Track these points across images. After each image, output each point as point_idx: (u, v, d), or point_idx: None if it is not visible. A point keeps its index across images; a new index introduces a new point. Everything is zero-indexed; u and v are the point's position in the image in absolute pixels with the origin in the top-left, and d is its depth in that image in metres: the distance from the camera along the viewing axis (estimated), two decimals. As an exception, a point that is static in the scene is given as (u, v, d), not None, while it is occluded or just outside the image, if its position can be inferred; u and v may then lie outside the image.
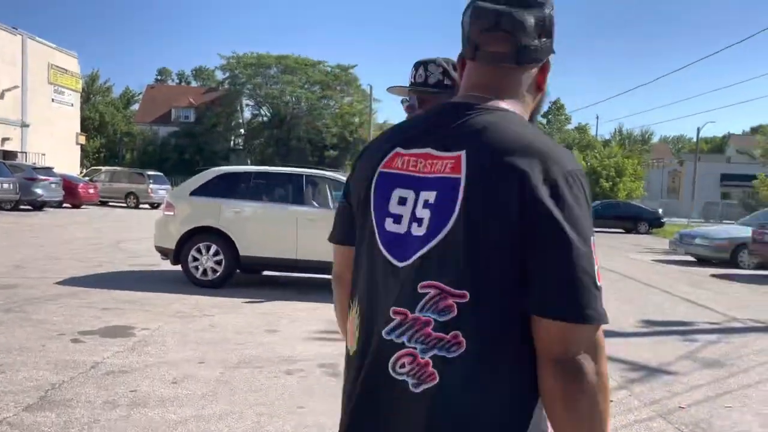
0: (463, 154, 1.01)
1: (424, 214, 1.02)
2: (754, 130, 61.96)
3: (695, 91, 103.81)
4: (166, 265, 8.48)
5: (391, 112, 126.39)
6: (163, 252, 8.16)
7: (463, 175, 0.99)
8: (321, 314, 6.64)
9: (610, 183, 33.85)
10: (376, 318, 1.06)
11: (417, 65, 1.90)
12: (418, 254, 1.01)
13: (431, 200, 1.01)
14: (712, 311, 8.14)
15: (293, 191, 8.19)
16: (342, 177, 8.91)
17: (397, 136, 1.14)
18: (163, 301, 6.91)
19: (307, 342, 5.52)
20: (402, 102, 1.96)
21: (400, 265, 1.03)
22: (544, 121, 68.91)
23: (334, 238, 1.28)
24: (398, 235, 1.04)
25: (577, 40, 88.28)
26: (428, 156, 1.05)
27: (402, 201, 1.05)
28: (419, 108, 1.88)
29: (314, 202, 8.40)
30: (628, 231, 25.87)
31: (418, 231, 1.02)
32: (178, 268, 8.07)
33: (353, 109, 49.38)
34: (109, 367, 4.48)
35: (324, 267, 7.49)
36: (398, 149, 1.10)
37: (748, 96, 60.34)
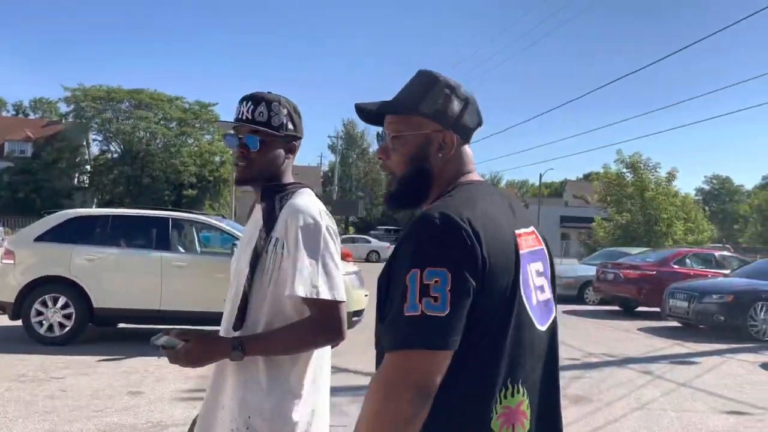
0: (534, 229, 1.30)
1: (541, 281, 1.25)
2: (587, 177, 69.18)
3: (538, 141, 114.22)
4: (3, 321, 7.44)
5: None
6: (0, 306, 7.16)
7: (544, 245, 1.32)
8: (189, 370, 6.13)
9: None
10: (547, 386, 1.23)
11: (257, 101, 1.68)
12: (554, 313, 1.30)
13: (541, 269, 1.26)
14: (569, 347, 8.68)
15: (157, 235, 7.59)
16: (212, 220, 8.42)
17: (505, 219, 1.20)
18: (0, 364, 6.00)
19: (177, 403, 5.04)
20: (229, 138, 1.71)
21: (543, 328, 1.23)
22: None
23: (453, 343, 1.05)
24: (533, 306, 1.20)
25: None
26: (523, 234, 1.23)
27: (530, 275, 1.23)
28: (260, 151, 1.67)
29: (180, 247, 7.87)
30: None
31: (544, 296, 1.25)
32: (19, 323, 7.12)
33: (214, 147, 47.94)
34: (-67, 451, 3.75)
35: (192, 318, 6.98)
36: (516, 231, 1.21)
37: (582, 148, 68.08)
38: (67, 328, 7.09)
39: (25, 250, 7.27)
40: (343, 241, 31.30)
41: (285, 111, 1.71)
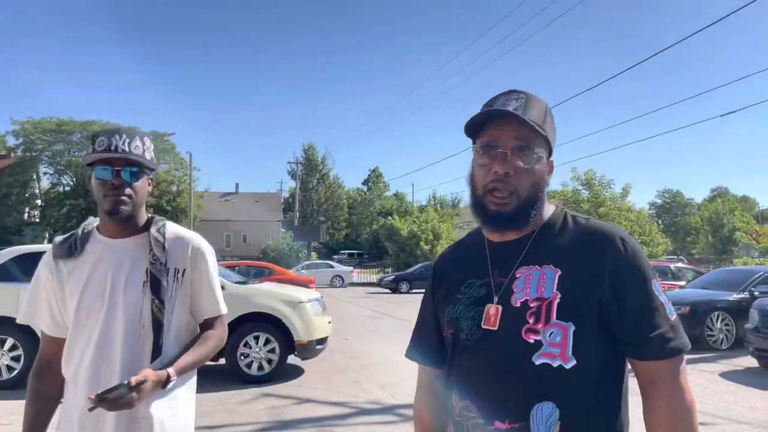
0: None
1: None
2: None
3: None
4: (-55, 367, 7.01)
5: (212, 179, 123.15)
6: (-58, 352, 6.78)
7: None
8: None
9: (429, 246, 35.89)
10: None
11: (131, 135, 1.70)
12: None
13: None
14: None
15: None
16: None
17: None
18: (-59, 414, 5.65)
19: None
20: (102, 170, 1.68)
21: None
22: (365, 188, 71.82)
23: None
24: None
25: (400, 116, 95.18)
26: None
27: None
28: (138, 185, 1.70)
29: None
30: (447, 291, 27.32)
31: None
32: (-38, 369, 6.73)
33: (170, 176, 47.16)
34: None
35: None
36: None
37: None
38: (16, 371, 6.74)
39: (-32, 290, 6.92)
40: (306, 267, 31.02)
41: (152, 146, 1.76)
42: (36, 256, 7.83)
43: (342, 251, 59.44)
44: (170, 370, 1.63)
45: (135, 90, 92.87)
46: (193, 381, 1.81)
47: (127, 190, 1.67)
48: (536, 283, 1.21)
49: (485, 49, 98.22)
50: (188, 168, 42.36)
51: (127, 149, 1.67)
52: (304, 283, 15.65)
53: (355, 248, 62.62)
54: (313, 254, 42.09)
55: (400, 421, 5.54)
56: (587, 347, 1.17)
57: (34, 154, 46.68)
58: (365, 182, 72.74)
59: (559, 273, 1.21)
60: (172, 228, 1.80)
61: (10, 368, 6.76)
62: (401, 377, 7.50)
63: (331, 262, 34.69)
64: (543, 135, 1.25)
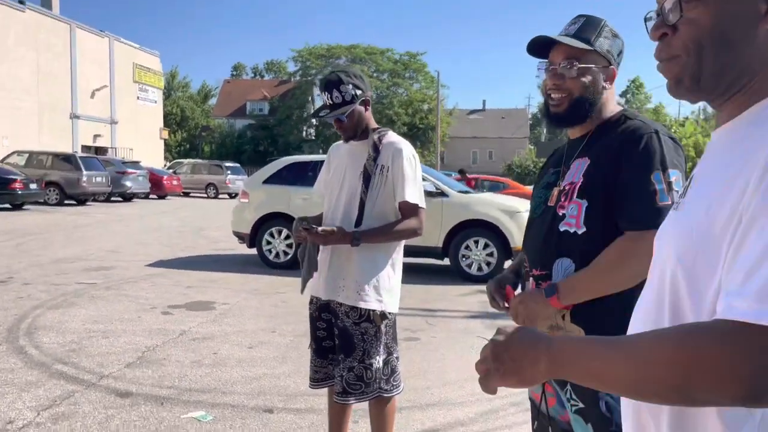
0: None
1: None
2: None
3: None
4: (243, 249, 9.18)
5: (460, 96, 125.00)
6: (240, 236, 8.79)
7: None
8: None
9: (690, 164, 32.57)
10: None
11: (330, 89, 2.40)
12: None
13: None
14: None
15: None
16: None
17: None
18: (240, 281, 7.56)
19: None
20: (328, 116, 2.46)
21: None
22: (623, 100, 66.45)
23: None
24: None
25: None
26: None
27: None
28: (348, 120, 2.40)
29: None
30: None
31: None
32: (254, 251, 8.72)
33: (422, 95, 49.55)
34: (194, 334, 5.10)
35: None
36: None
37: None
38: (290, 256, 8.49)
39: (256, 190, 8.77)
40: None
41: (350, 85, 2.35)
42: (303, 165, 9.52)
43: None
44: (357, 232, 2.33)
45: (390, 12, 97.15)
46: (392, 256, 2.43)
47: (344, 125, 2.40)
48: (575, 171, 1.57)
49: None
50: (437, 85, 43.87)
51: (331, 102, 2.37)
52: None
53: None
54: (559, 171, 41.06)
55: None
56: (595, 219, 1.50)
57: (309, 78, 52.61)
58: (623, 94, 67.17)
59: (588, 162, 1.54)
60: (389, 136, 2.44)
61: (286, 253, 8.54)
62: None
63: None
64: (592, 50, 1.55)
